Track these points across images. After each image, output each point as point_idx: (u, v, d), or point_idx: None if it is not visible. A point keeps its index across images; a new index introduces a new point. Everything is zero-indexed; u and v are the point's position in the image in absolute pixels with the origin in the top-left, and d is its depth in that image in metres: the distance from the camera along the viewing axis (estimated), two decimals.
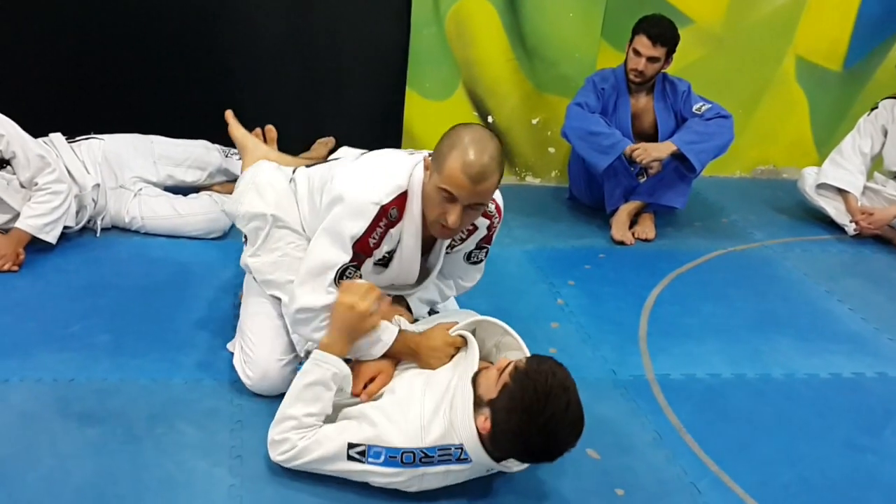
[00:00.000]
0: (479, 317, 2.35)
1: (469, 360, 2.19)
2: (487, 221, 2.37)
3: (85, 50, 3.81)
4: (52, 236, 3.16)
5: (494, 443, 2.00)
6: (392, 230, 2.23)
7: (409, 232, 2.27)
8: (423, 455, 2.04)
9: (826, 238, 4.10)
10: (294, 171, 2.67)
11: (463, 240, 2.41)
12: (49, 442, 2.23)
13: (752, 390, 2.78)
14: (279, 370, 2.44)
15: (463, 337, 2.29)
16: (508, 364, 2.01)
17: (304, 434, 2.12)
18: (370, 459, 2.06)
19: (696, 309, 3.27)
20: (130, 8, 3.79)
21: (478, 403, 2.03)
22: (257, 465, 2.20)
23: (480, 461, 2.03)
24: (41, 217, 3.11)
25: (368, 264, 2.28)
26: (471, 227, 2.37)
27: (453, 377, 2.16)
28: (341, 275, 2.20)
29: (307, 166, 2.66)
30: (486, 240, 2.44)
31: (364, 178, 2.24)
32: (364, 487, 2.12)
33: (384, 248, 2.25)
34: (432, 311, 2.58)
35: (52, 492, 2.05)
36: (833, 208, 4.17)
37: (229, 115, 3.12)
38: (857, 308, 3.38)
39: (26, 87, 3.77)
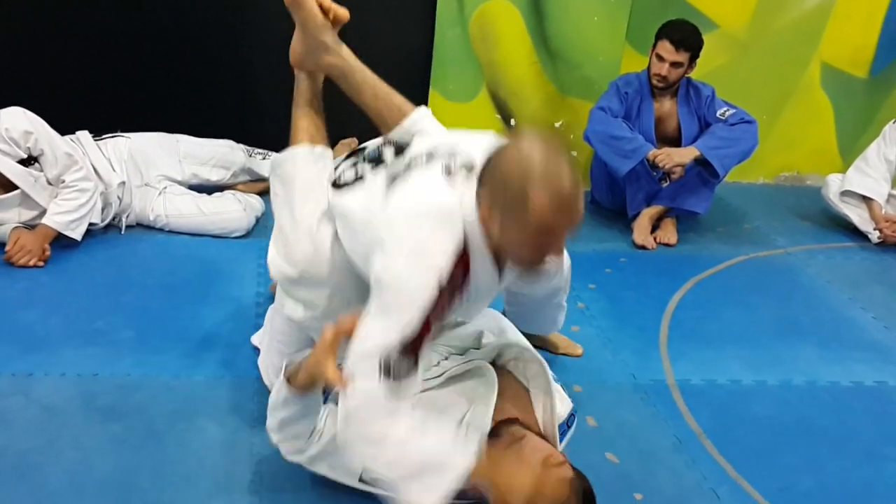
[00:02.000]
0: (520, 345, 2.18)
1: (485, 403, 1.98)
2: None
3: (112, 50, 3.85)
4: (77, 233, 3.19)
5: None
6: (455, 295, 1.78)
7: (480, 269, 1.82)
8: None
9: (850, 245, 4.07)
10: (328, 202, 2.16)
11: None
12: (72, 436, 2.25)
13: (774, 397, 2.76)
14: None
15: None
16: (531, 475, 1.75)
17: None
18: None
19: (717, 315, 3.25)
20: (157, 8, 3.82)
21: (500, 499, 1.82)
22: (277, 462, 2.20)
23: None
24: (67, 214, 3.15)
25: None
26: None
27: (467, 414, 2.00)
28: (387, 371, 1.70)
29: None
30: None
31: (417, 235, 1.76)
32: None
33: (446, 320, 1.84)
34: None
35: (74, 485, 2.08)
36: (857, 216, 4.14)
37: None
38: (881, 316, 3.36)
39: (55, 85, 3.81)
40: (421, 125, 2.22)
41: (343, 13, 2.34)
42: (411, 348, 1.70)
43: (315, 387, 1.91)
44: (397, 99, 2.31)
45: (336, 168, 2.24)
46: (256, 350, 2.63)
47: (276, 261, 2.20)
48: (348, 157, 2.26)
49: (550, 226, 1.66)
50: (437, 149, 1.95)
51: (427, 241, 1.74)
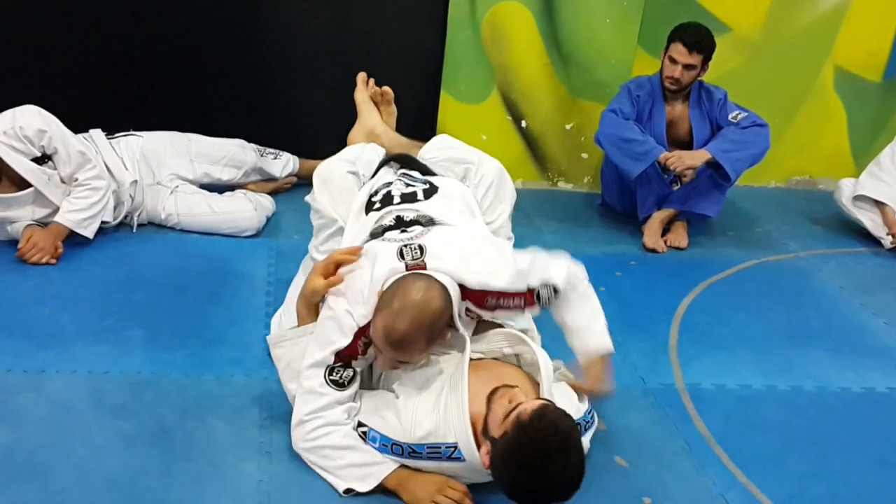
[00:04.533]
0: (514, 333, 2.28)
1: (462, 364, 2.13)
2: (487, 313, 2.25)
3: (125, 48, 3.86)
4: (89, 231, 3.20)
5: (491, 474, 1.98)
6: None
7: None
8: (411, 450, 2.09)
9: (862, 251, 4.05)
10: (373, 175, 2.72)
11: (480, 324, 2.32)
12: (82, 433, 2.26)
13: (784, 402, 2.75)
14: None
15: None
16: (516, 406, 1.95)
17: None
18: (370, 442, 2.15)
19: (727, 319, 3.24)
20: (170, 7, 3.84)
21: (485, 429, 2.00)
22: (286, 462, 2.22)
23: (475, 462, 2.02)
24: (80, 212, 3.16)
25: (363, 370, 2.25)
26: (475, 319, 2.30)
27: (447, 379, 2.15)
28: (331, 371, 2.17)
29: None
30: (520, 304, 2.27)
31: (353, 299, 2.18)
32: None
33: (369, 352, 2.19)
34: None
35: (84, 482, 2.08)
36: (870, 220, 4.12)
37: (361, 76, 3.15)
38: (893, 322, 3.34)
39: (68, 84, 3.82)
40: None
41: (388, 93, 3.15)
42: (345, 361, 2.16)
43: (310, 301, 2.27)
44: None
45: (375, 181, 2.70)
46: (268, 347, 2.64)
47: (328, 207, 2.66)
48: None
49: (376, 341, 2.10)
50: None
51: (354, 295, 2.18)
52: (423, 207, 2.44)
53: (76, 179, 3.16)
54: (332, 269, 2.25)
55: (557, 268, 2.33)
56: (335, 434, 2.16)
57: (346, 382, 2.17)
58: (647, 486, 2.27)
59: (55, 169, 3.15)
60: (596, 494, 2.20)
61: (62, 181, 3.17)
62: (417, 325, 2.06)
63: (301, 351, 2.22)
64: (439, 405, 2.09)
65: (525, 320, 2.46)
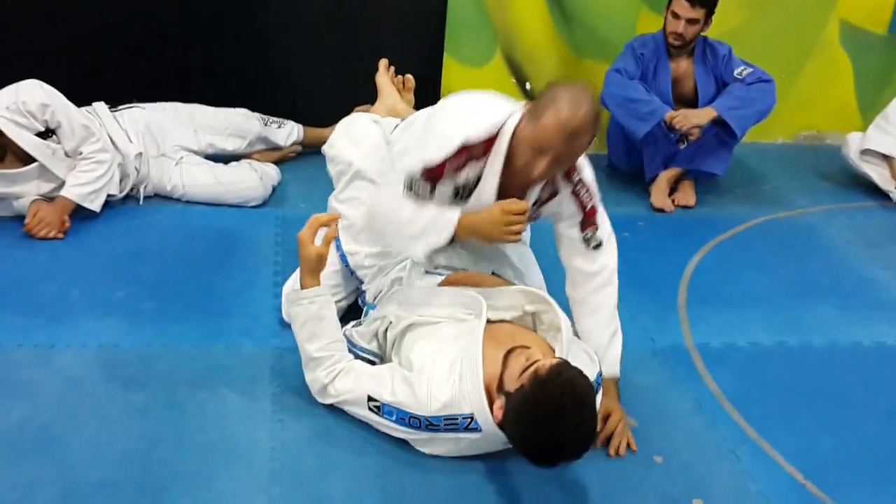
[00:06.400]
0: (531, 290, 2.33)
1: (476, 330, 2.15)
2: (569, 187, 2.35)
3: (126, 20, 3.83)
4: (96, 205, 3.20)
5: (503, 430, 2.00)
6: (471, 164, 2.25)
7: (490, 173, 2.27)
8: (428, 423, 2.08)
9: (870, 205, 4.03)
10: (395, 128, 2.77)
11: (543, 202, 2.37)
12: (94, 406, 2.27)
13: (794, 358, 2.75)
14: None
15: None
16: (534, 363, 1.97)
17: (328, 370, 2.22)
18: (384, 415, 2.15)
19: (736, 277, 3.23)
20: None
21: (500, 386, 2.01)
22: (298, 430, 2.23)
23: (491, 431, 2.03)
24: (85, 186, 3.16)
25: (445, 193, 2.30)
26: (551, 191, 2.35)
27: (461, 348, 2.14)
28: (410, 185, 2.26)
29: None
30: (587, 216, 2.39)
31: (463, 113, 2.30)
32: (406, 465, 2.15)
33: (459, 178, 2.26)
34: None
35: (96, 455, 2.10)
36: (878, 174, 4.09)
37: (383, 63, 3.21)
38: None
39: (68, 57, 3.80)
40: None
41: (410, 81, 3.26)
42: (430, 178, 2.25)
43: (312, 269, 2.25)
44: None
45: None
46: (277, 316, 2.69)
47: (346, 149, 2.77)
48: None
49: (545, 142, 2.11)
50: None
51: (469, 113, 2.28)
52: None
53: (81, 153, 3.16)
54: (316, 228, 2.26)
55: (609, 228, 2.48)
56: (407, 207, 2.27)
57: (424, 196, 2.27)
58: (658, 445, 2.28)
59: (59, 143, 3.14)
60: (606, 455, 2.22)
61: (67, 155, 3.16)
62: (591, 110, 2.13)
63: (316, 311, 2.23)
64: (454, 375, 2.09)
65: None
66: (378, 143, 2.72)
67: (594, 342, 2.35)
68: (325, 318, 2.24)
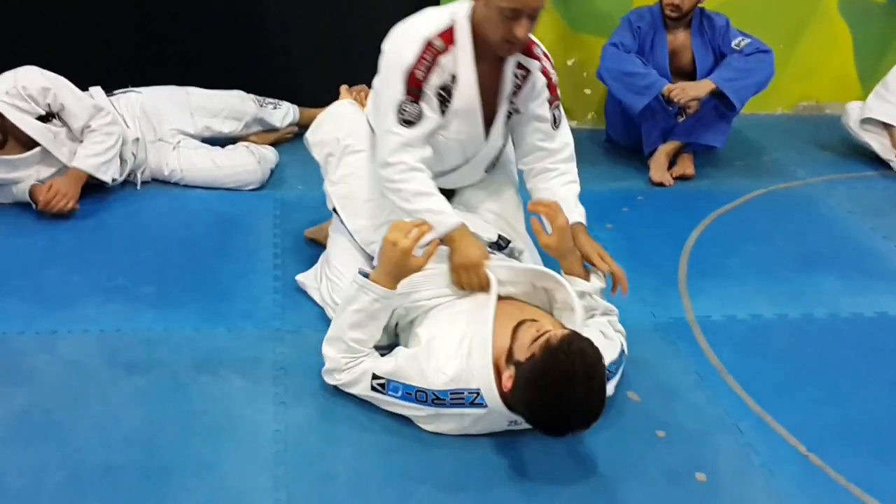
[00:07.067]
0: (538, 268, 2.36)
1: (487, 306, 2.16)
2: (537, 63, 2.43)
3: (121, 4, 3.80)
4: (108, 175, 3.21)
5: (511, 402, 2.02)
6: (442, 59, 2.30)
7: (463, 63, 2.32)
8: (434, 396, 2.09)
9: (871, 174, 4.01)
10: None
11: (519, 87, 2.43)
12: (98, 391, 2.28)
13: (795, 330, 2.75)
14: None
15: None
16: (545, 333, 1.99)
17: (350, 359, 2.21)
18: (389, 392, 2.15)
19: (737, 249, 3.23)
20: None
21: (510, 356, 2.03)
22: (301, 412, 2.24)
23: (497, 408, 2.04)
24: (97, 156, 3.17)
25: (431, 118, 2.34)
26: (523, 72, 2.41)
27: (471, 323, 2.16)
28: (401, 110, 2.29)
29: None
30: (552, 90, 2.48)
31: (406, 26, 2.37)
32: (411, 442, 2.15)
33: (434, 80, 2.30)
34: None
35: (101, 439, 2.11)
36: (878, 143, 4.07)
37: (344, 88, 3.15)
38: None
39: (63, 42, 3.78)
40: None
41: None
42: (412, 92, 2.29)
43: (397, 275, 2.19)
44: None
45: None
46: (278, 298, 2.70)
47: (330, 130, 2.75)
48: None
49: (518, 3, 2.15)
50: None
51: (408, 27, 2.35)
52: None
53: (90, 127, 3.17)
54: (417, 239, 2.18)
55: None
56: (416, 180, 2.33)
57: (414, 120, 2.30)
58: (661, 420, 2.29)
59: (62, 126, 3.14)
60: (609, 429, 2.22)
61: (69, 139, 3.17)
62: None
63: (376, 310, 2.20)
64: (462, 349, 2.10)
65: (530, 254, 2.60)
66: (362, 118, 2.72)
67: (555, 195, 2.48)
68: (378, 318, 2.21)
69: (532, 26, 2.24)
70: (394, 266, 2.17)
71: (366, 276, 2.19)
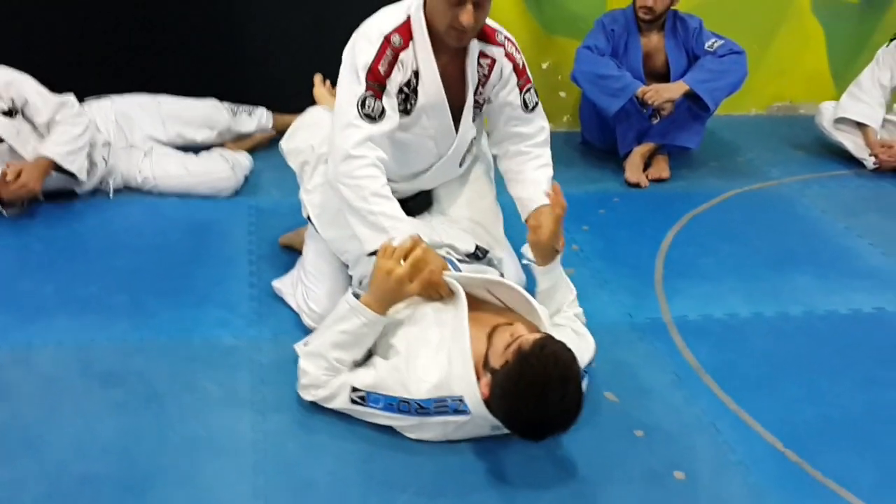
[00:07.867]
0: (491, 278, 2.33)
1: (460, 313, 2.14)
2: (501, 49, 2.43)
3: (91, 10, 3.78)
4: (75, 166, 3.16)
5: (490, 408, 2.01)
6: (402, 55, 2.30)
7: (422, 59, 2.33)
8: (418, 406, 2.08)
9: (845, 173, 4.05)
10: None
11: (486, 77, 2.43)
12: (73, 404, 2.26)
13: (771, 329, 2.77)
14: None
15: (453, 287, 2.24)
16: (518, 338, 1.99)
17: (329, 375, 2.18)
18: (370, 404, 2.14)
19: (712, 249, 3.25)
20: None
21: (486, 362, 2.03)
22: (279, 420, 2.22)
23: (480, 414, 2.03)
24: (64, 145, 3.13)
25: (392, 118, 2.32)
26: (488, 61, 2.41)
27: (446, 331, 2.15)
28: (363, 104, 2.27)
29: None
30: (520, 75, 2.47)
31: (367, 22, 2.36)
32: (390, 449, 2.14)
33: (397, 76, 2.30)
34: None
35: (79, 452, 2.09)
36: (852, 143, 4.11)
37: (318, 77, 3.12)
38: (878, 243, 3.35)
39: (35, 48, 3.74)
40: None
41: None
42: (374, 88, 2.27)
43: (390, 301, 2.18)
44: None
45: None
46: (254, 306, 2.68)
47: (305, 138, 2.74)
48: None
49: None
50: None
51: (367, 25, 2.34)
52: None
53: (55, 121, 3.14)
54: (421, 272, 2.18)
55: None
56: (377, 180, 2.28)
57: (376, 116, 2.27)
58: (639, 420, 2.29)
59: (26, 121, 3.11)
60: (588, 430, 2.22)
61: (34, 137, 3.14)
62: None
63: (364, 333, 2.18)
64: (440, 357, 2.09)
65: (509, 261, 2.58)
66: None
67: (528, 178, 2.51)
68: (362, 343, 2.19)
69: (479, 14, 2.24)
70: (387, 293, 2.16)
71: (357, 296, 2.17)
